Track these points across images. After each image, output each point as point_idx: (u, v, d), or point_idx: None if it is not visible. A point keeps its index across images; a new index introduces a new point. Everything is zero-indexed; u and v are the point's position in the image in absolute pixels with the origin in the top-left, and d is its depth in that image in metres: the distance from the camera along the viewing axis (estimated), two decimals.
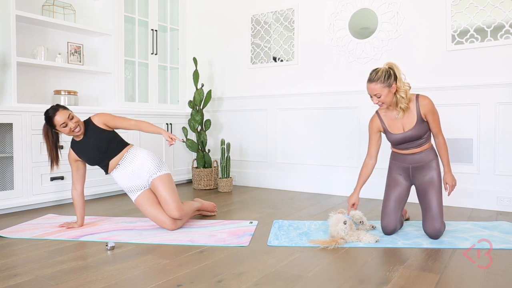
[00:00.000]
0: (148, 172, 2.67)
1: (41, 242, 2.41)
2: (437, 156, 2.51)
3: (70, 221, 2.84)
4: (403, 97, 2.38)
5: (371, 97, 2.43)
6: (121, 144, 2.74)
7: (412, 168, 2.51)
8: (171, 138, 2.66)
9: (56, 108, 2.61)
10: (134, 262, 2.06)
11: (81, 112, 3.56)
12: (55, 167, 2.69)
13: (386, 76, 2.35)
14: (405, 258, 2.10)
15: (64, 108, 2.64)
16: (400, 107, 2.41)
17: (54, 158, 2.68)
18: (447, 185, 2.49)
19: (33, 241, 2.43)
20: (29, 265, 2.02)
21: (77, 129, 2.62)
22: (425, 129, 2.45)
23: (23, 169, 3.27)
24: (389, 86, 2.36)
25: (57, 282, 1.81)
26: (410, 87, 2.41)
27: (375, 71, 2.40)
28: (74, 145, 2.71)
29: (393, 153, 2.62)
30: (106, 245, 2.27)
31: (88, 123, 2.71)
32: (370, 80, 2.40)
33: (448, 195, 2.53)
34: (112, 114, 2.79)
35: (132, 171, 2.68)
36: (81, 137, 2.69)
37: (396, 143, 2.50)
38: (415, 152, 2.48)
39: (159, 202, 2.66)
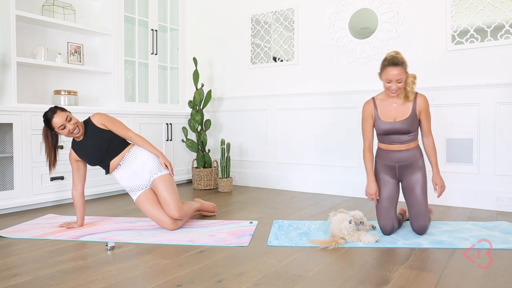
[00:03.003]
0: (149, 172, 2.67)
1: (41, 242, 2.41)
2: (422, 155, 2.51)
3: (70, 221, 2.84)
4: (414, 82, 2.41)
5: (388, 82, 2.38)
6: (122, 144, 2.73)
7: (399, 167, 2.50)
8: (166, 166, 2.70)
9: (54, 110, 2.61)
10: (134, 262, 2.06)
11: (81, 112, 3.56)
12: (53, 168, 2.71)
13: (405, 60, 2.37)
14: (405, 258, 2.10)
15: (63, 110, 2.63)
16: (406, 95, 2.42)
17: (51, 160, 2.69)
18: (437, 186, 2.49)
19: (33, 241, 2.43)
20: (29, 265, 2.02)
21: (76, 131, 2.62)
22: (415, 125, 2.46)
23: (23, 169, 3.27)
24: (406, 71, 2.39)
25: (57, 282, 1.81)
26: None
27: (396, 54, 2.37)
28: (75, 145, 2.71)
29: (378, 151, 2.58)
30: (106, 245, 2.27)
31: (87, 123, 2.71)
32: (394, 64, 2.33)
33: (438, 196, 2.52)
34: (111, 116, 2.78)
35: (134, 171, 2.68)
36: (81, 137, 2.69)
37: (384, 133, 2.48)
38: (401, 149, 2.48)
39: (159, 202, 2.66)
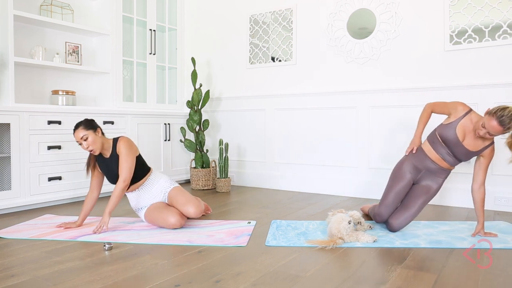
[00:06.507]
0: (162, 191, 2.84)
1: (39, 243, 2.41)
2: (446, 177, 2.64)
3: (68, 221, 2.84)
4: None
5: (483, 127, 2.32)
6: (140, 173, 2.80)
7: (424, 172, 2.63)
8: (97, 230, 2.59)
9: (78, 124, 2.64)
10: (132, 262, 2.06)
11: (80, 112, 3.56)
12: (87, 173, 2.77)
13: None
14: (403, 258, 2.10)
15: (86, 127, 2.61)
16: (482, 138, 2.43)
17: (87, 167, 2.77)
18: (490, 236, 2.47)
19: (30, 242, 2.43)
20: (26, 266, 2.02)
21: (93, 151, 2.65)
22: (467, 159, 2.51)
23: (20, 170, 3.26)
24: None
25: (54, 282, 1.80)
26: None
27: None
28: (100, 157, 2.76)
29: (418, 151, 2.63)
30: (104, 246, 2.27)
31: (115, 145, 2.73)
32: (504, 125, 2.25)
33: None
34: (131, 147, 2.70)
35: (151, 194, 2.82)
36: (108, 154, 2.73)
37: (444, 140, 2.49)
38: (437, 163, 2.57)
39: (164, 207, 2.75)
